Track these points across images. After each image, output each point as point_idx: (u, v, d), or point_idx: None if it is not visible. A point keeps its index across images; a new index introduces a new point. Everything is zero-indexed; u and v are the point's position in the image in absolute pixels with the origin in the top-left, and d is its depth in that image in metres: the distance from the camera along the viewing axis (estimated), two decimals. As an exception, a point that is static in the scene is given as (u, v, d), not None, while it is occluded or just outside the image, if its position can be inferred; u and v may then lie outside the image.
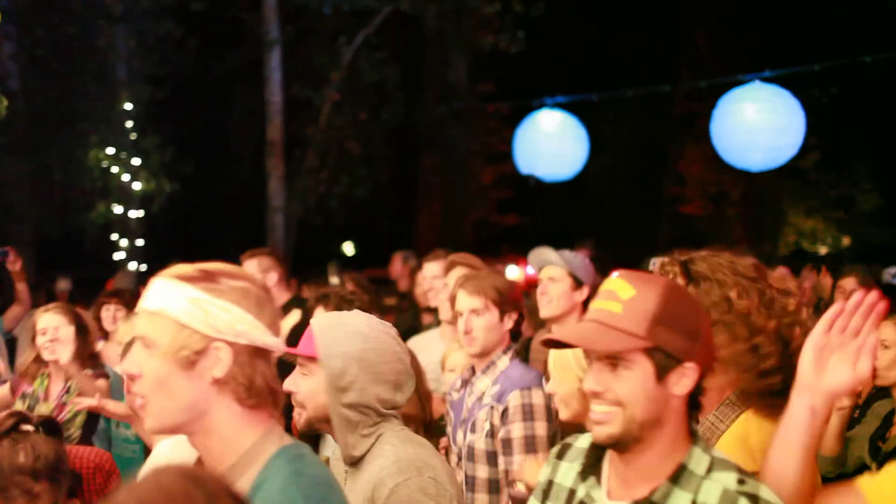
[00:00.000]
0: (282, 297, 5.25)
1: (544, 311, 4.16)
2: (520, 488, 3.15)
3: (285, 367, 2.46)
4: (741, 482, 1.84)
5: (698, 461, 1.88)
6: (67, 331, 4.73)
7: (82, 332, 4.80)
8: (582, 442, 2.10)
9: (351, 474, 2.48)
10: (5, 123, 8.45)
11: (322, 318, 2.54)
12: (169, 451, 2.77)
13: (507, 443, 3.39)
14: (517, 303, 3.71)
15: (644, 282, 1.90)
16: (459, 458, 3.51)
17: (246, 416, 1.87)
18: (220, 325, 1.83)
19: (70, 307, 5.01)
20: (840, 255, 20.94)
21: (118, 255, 14.08)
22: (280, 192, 13.96)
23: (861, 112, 19.39)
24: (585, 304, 4.24)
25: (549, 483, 2.11)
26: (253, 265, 5.24)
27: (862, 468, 3.86)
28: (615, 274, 1.96)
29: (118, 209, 13.85)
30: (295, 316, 4.92)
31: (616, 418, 1.87)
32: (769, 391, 2.24)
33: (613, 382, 1.87)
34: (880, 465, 3.54)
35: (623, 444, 1.89)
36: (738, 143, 8.30)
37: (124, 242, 14.15)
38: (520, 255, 19.81)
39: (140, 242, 14.27)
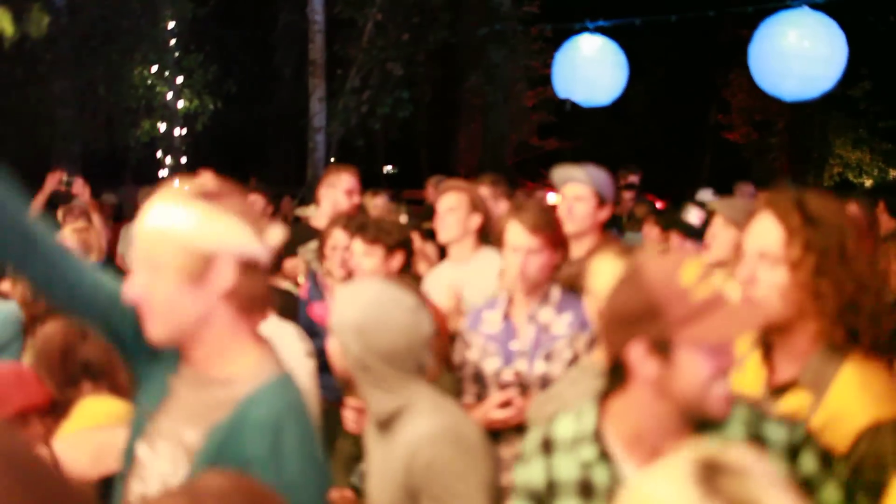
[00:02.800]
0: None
1: (567, 228, 3.95)
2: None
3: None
4: (753, 410, 1.86)
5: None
6: None
7: None
8: (565, 431, 2.00)
9: (382, 440, 2.49)
10: (49, 40, 8.56)
11: (342, 289, 2.59)
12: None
13: None
14: (566, 240, 3.62)
15: None
16: (524, 388, 3.39)
17: (242, 327, 1.96)
18: (224, 239, 1.90)
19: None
20: (887, 187, 20.55)
21: (163, 173, 14.29)
22: (321, 112, 13.99)
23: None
24: (606, 224, 4.22)
25: (548, 484, 1.99)
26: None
27: None
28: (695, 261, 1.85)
29: (162, 127, 14.01)
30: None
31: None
32: (875, 344, 2.10)
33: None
34: None
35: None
36: (773, 69, 8.08)
37: (169, 160, 14.34)
38: (559, 181, 19.68)
39: (184, 160, 14.44)
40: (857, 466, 1.93)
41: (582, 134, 21.29)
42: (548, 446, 2.01)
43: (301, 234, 5.24)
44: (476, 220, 4.41)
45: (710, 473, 1.17)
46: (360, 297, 2.46)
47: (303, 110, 14.28)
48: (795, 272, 2.07)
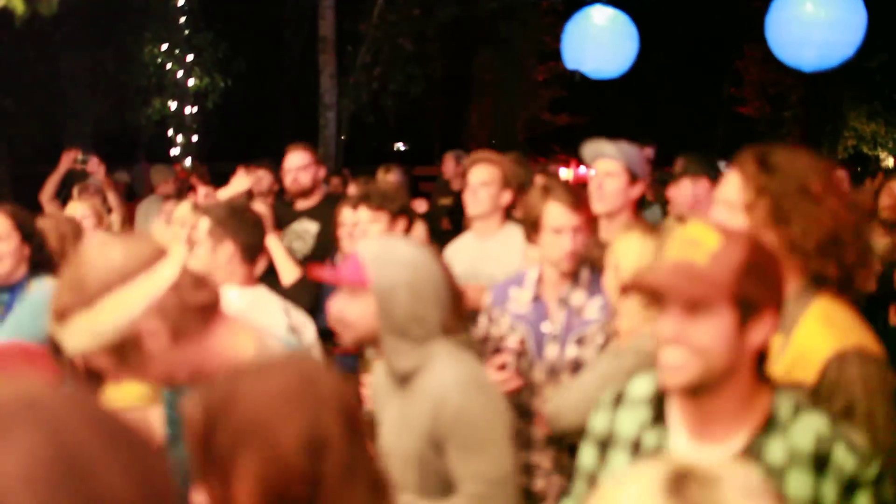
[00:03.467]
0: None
1: (598, 207, 3.86)
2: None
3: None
4: (832, 426, 1.81)
5: (787, 407, 1.85)
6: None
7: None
8: (638, 389, 2.05)
9: (400, 394, 2.48)
10: (60, 18, 8.54)
11: (370, 245, 2.54)
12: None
13: None
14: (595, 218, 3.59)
15: (728, 232, 1.85)
16: (553, 373, 3.36)
17: (200, 337, 1.96)
18: (127, 312, 1.86)
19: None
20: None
21: (174, 151, 14.31)
22: (332, 89, 13.96)
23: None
24: (638, 203, 4.08)
25: (609, 434, 2.05)
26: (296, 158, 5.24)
27: None
28: (694, 221, 1.91)
29: (173, 105, 14.01)
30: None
31: (691, 366, 1.81)
32: (844, 284, 2.18)
33: (692, 329, 1.80)
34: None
35: (695, 392, 1.85)
36: (791, 38, 7.97)
37: (180, 138, 14.35)
38: (571, 156, 19.67)
39: (195, 138, 14.46)
40: (826, 396, 2.03)
41: (594, 109, 21.20)
42: (619, 400, 2.07)
43: (286, 215, 5.21)
44: (507, 197, 4.31)
45: (680, 482, 1.15)
46: (402, 253, 2.46)
47: (314, 88, 14.26)
48: (751, 215, 2.20)
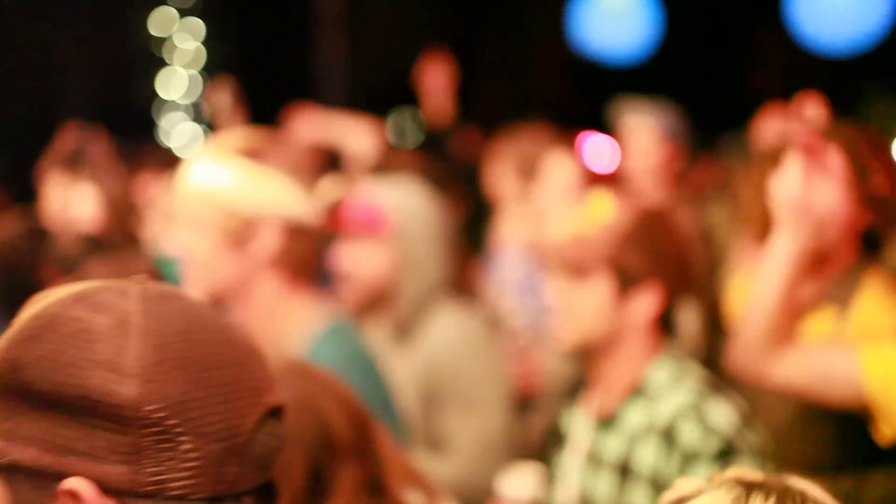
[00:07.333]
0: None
1: (633, 163, 3.79)
2: None
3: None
4: (698, 396, 1.85)
5: (661, 376, 1.90)
6: None
7: None
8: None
9: (400, 349, 2.45)
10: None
11: (387, 195, 2.43)
12: None
13: None
14: None
15: (625, 204, 1.93)
16: None
17: (291, 293, 1.89)
18: (267, 203, 1.82)
19: None
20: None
21: (176, 127, 14.19)
22: (336, 59, 13.84)
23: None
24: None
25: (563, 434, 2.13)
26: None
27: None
28: (599, 194, 2.02)
29: (173, 78, 13.91)
30: None
31: (572, 331, 1.92)
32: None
33: (574, 296, 1.89)
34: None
35: (584, 358, 1.96)
36: (818, 17, 7.84)
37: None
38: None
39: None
40: None
41: (606, 90, 20.88)
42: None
43: None
44: None
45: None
46: (417, 199, 2.44)
47: (316, 57, 14.10)
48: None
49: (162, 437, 0.85)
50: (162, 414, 0.85)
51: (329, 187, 2.02)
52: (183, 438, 0.86)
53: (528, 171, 4.04)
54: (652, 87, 6.88)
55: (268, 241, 1.83)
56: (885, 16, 7.80)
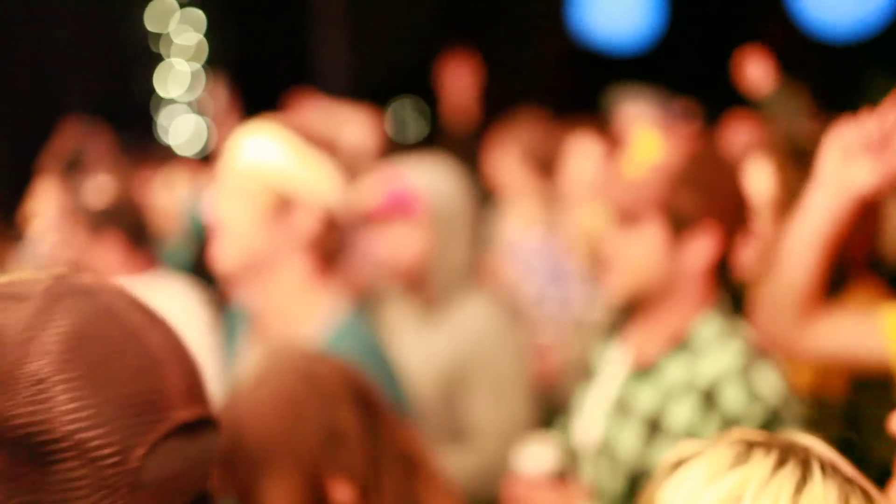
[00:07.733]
0: None
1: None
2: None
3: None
4: (746, 358, 1.73)
5: (709, 331, 1.78)
6: None
7: None
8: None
9: (424, 329, 2.43)
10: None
11: (419, 177, 2.41)
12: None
13: None
14: None
15: (674, 144, 1.85)
16: None
17: (315, 276, 1.90)
18: (311, 186, 1.84)
19: None
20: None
21: (174, 121, 14.14)
22: (337, 50, 13.79)
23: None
24: None
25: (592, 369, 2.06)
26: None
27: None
28: (646, 134, 1.92)
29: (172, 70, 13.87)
30: None
31: (623, 282, 1.80)
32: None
33: (625, 245, 1.78)
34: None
35: (634, 307, 1.84)
36: (822, 2, 7.78)
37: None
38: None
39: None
40: None
41: (607, 79, 20.81)
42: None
43: None
44: None
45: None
46: (450, 181, 2.44)
47: (315, 49, 14.04)
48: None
49: (35, 458, 0.74)
50: (32, 430, 0.74)
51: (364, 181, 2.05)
52: (60, 460, 0.74)
53: (533, 161, 4.01)
54: (653, 76, 6.81)
55: (304, 223, 1.85)
56: (886, 1, 7.74)
